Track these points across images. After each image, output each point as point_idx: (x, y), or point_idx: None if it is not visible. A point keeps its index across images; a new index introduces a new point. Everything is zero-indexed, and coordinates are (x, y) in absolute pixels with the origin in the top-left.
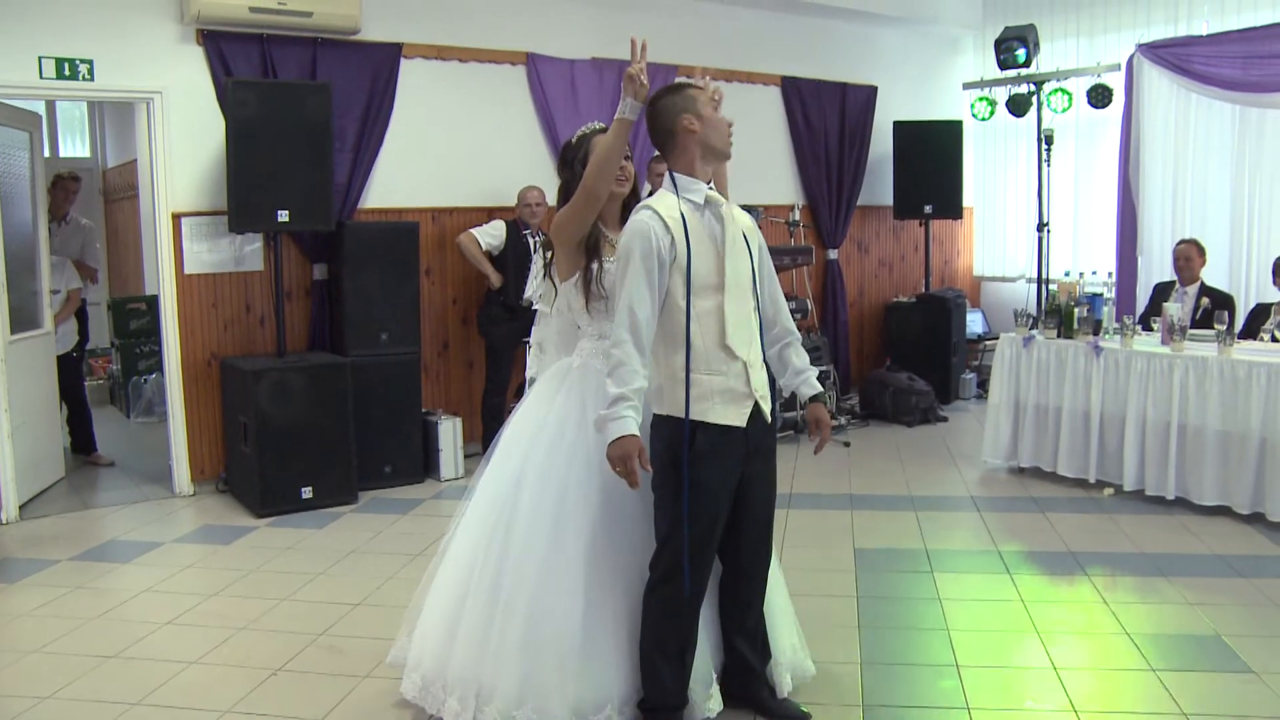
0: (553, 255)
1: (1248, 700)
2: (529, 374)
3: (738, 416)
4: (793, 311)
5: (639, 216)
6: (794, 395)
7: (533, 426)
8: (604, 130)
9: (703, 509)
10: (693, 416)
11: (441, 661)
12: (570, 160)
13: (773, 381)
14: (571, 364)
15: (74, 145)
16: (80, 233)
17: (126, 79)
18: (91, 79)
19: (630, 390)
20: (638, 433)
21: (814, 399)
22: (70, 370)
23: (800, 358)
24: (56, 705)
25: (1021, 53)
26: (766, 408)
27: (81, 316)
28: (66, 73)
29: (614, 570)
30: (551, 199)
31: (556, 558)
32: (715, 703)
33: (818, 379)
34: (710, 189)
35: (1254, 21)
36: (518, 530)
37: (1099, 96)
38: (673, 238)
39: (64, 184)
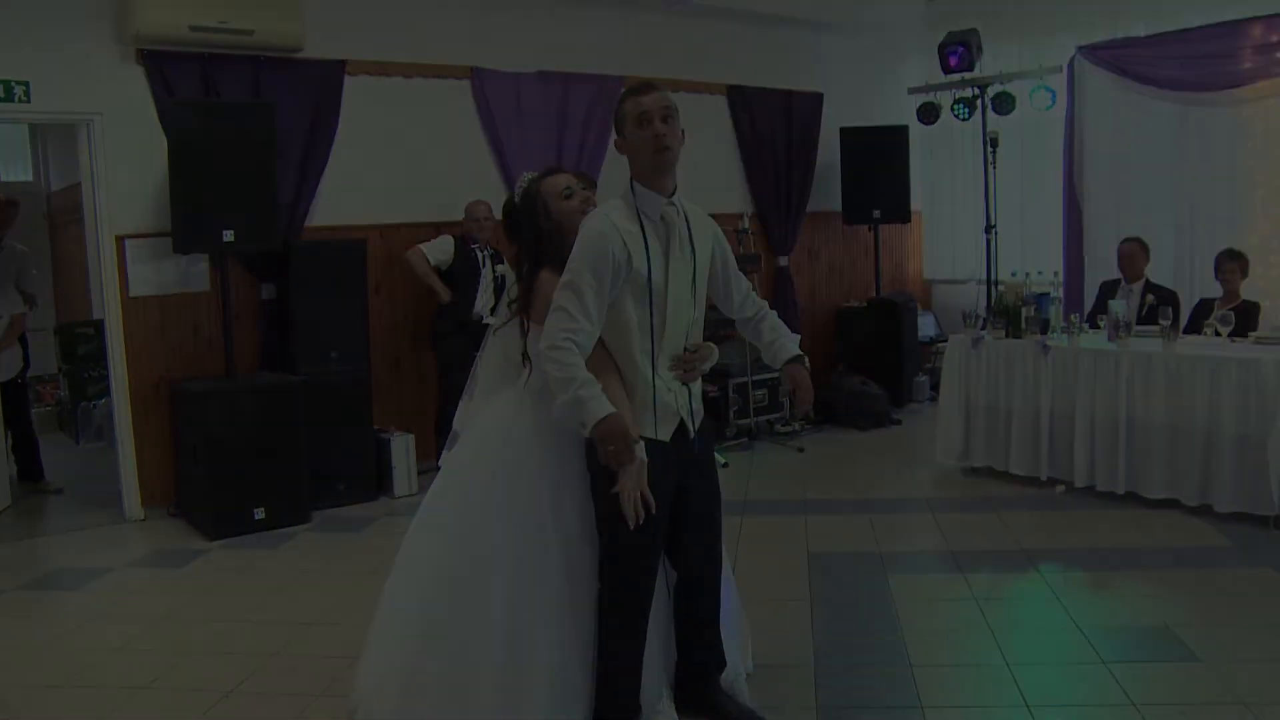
0: (520, 293)
1: (1195, 689)
2: (455, 426)
3: (664, 431)
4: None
5: (595, 226)
6: (747, 404)
7: (463, 475)
8: (538, 177)
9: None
10: None
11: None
12: (529, 220)
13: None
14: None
15: (16, 169)
16: (16, 259)
17: (65, 100)
18: (28, 100)
19: (584, 375)
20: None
21: (790, 362)
22: (16, 397)
23: (771, 330)
24: None
25: (963, 52)
26: (691, 423)
27: (23, 342)
28: (1, 95)
29: (555, 606)
30: (498, 212)
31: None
32: (667, 718)
33: (792, 359)
34: (670, 203)
35: (1189, 23)
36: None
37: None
38: (629, 253)
39: (0, 209)
